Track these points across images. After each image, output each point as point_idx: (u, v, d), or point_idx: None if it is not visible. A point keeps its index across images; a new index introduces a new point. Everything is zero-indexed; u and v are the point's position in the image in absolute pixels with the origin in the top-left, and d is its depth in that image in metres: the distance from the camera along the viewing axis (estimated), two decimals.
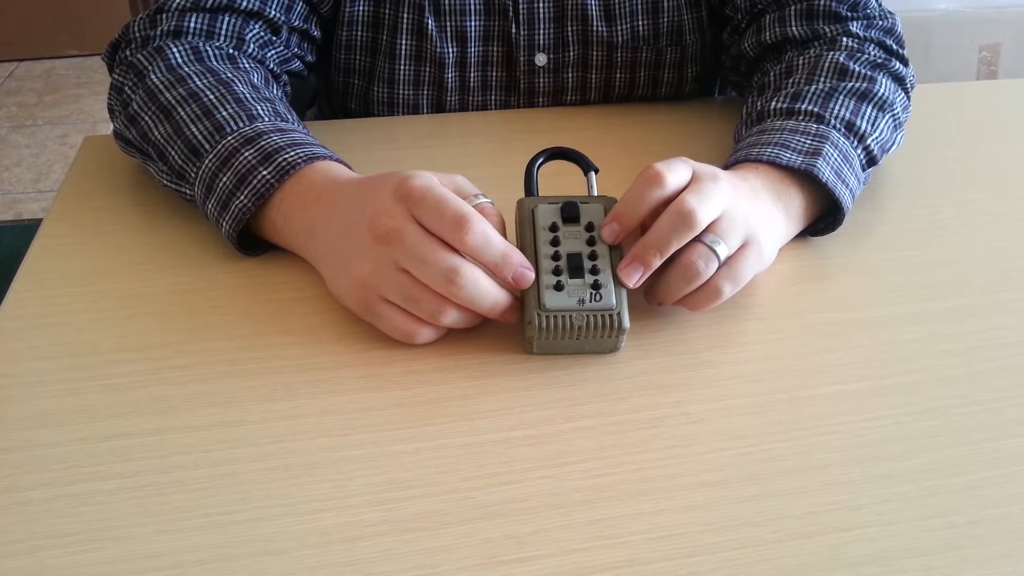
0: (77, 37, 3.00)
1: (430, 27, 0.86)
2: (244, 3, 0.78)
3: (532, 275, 0.56)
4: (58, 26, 2.99)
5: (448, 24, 0.86)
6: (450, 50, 0.87)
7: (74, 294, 0.64)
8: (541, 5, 0.87)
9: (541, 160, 0.63)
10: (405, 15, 0.86)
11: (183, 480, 0.50)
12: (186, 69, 0.71)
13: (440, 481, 0.50)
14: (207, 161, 0.65)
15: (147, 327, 0.61)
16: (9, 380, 0.56)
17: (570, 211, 0.59)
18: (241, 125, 0.66)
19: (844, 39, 0.79)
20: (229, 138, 0.65)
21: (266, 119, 0.67)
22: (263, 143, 0.65)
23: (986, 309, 0.63)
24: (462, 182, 0.60)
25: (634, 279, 0.57)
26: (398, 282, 0.56)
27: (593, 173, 0.63)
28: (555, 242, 0.58)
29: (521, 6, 0.86)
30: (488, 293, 0.56)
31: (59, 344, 0.59)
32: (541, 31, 0.88)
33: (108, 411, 0.54)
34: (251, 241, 0.67)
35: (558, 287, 0.56)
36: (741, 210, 0.59)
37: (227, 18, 0.78)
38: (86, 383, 0.56)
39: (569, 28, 0.88)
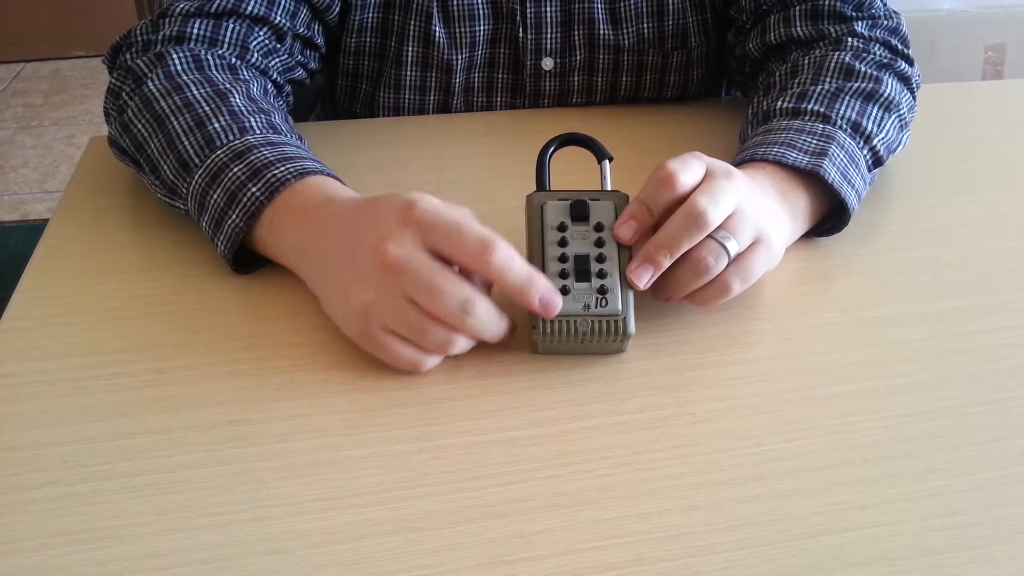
0: (83, 38, 3.01)
1: (438, 34, 0.85)
2: (249, 8, 0.77)
3: (560, 302, 0.55)
4: (64, 27, 3.00)
5: (457, 30, 0.86)
6: (457, 56, 0.87)
7: (80, 294, 0.64)
8: (548, 9, 0.87)
9: (553, 148, 0.62)
10: (413, 22, 0.85)
11: (188, 479, 0.50)
12: (184, 78, 0.70)
13: (445, 480, 0.50)
14: (197, 177, 0.64)
15: (153, 327, 0.61)
16: (16, 379, 0.57)
17: (580, 210, 0.58)
18: (231, 138, 0.65)
19: (849, 39, 0.79)
20: (219, 152, 0.64)
21: (258, 132, 0.66)
22: (252, 158, 0.63)
23: (992, 309, 0.63)
24: (469, 214, 0.56)
25: (644, 280, 0.57)
26: (404, 313, 0.54)
27: (607, 162, 0.62)
28: (563, 243, 0.58)
29: (528, 10, 0.86)
30: (497, 322, 0.55)
31: (65, 344, 0.59)
32: (548, 35, 0.88)
33: (114, 410, 0.54)
34: (247, 258, 0.65)
35: (563, 291, 0.56)
36: (753, 207, 0.59)
37: (232, 24, 0.77)
38: (92, 383, 0.56)
39: (576, 32, 0.88)
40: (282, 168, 0.62)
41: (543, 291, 0.54)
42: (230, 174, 0.63)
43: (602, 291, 0.56)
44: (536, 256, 0.57)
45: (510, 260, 0.53)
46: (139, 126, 0.69)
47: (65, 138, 2.61)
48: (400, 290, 0.54)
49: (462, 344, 0.55)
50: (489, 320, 0.54)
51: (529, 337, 0.58)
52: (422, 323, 0.54)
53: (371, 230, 0.55)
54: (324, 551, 0.46)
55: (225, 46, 0.76)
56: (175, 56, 0.72)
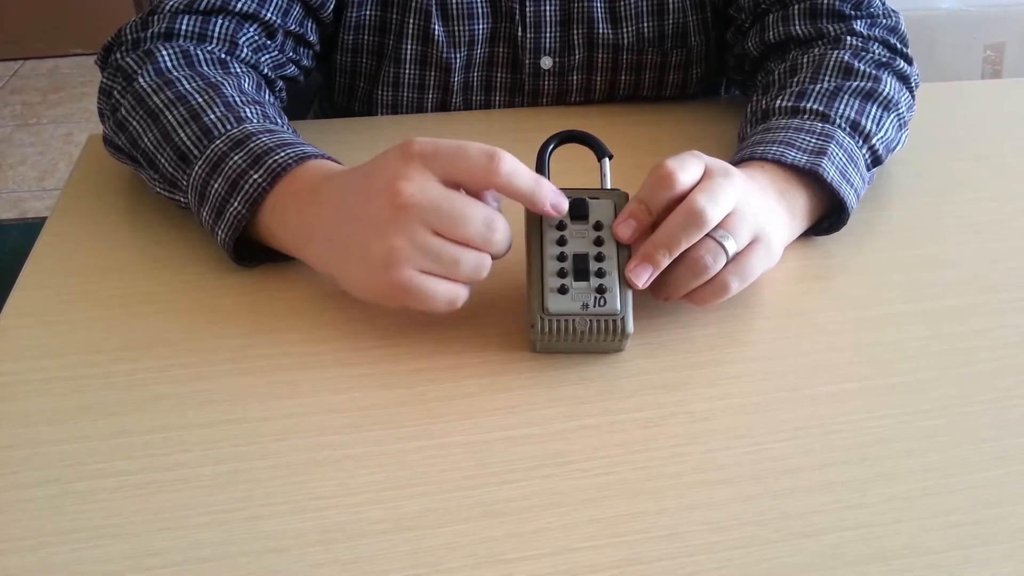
0: (81, 36, 3.01)
1: (437, 32, 0.85)
2: (239, 5, 0.77)
3: (566, 203, 0.57)
4: (62, 25, 2.99)
5: (455, 29, 0.86)
6: (456, 55, 0.87)
7: (78, 292, 0.64)
8: (547, 8, 0.86)
9: (553, 145, 0.62)
10: (411, 20, 0.85)
11: (186, 478, 0.50)
12: (175, 73, 0.70)
13: (442, 479, 0.50)
14: (197, 168, 0.64)
15: (151, 325, 0.61)
16: (13, 377, 0.57)
17: (579, 209, 0.58)
18: (229, 127, 0.65)
19: (848, 38, 0.79)
20: (217, 142, 0.64)
21: (255, 120, 0.66)
22: (252, 145, 0.63)
23: (990, 308, 0.63)
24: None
25: (643, 279, 0.57)
26: (436, 247, 0.54)
27: (607, 160, 0.62)
28: (562, 241, 0.58)
29: (528, 9, 0.86)
30: (510, 236, 0.56)
31: (63, 342, 0.59)
32: (547, 34, 0.88)
33: (112, 409, 0.54)
34: (248, 251, 0.65)
35: (562, 290, 0.56)
36: (751, 206, 0.59)
37: (220, 21, 0.76)
38: (90, 381, 0.56)
39: (575, 31, 0.87)
40: (283, 153, 0.62)
41: (551, 195, 0.56)
42: (231, 162, 0.63)
43: (600, 290, 0.56)
44: (535, 255, 0.57)
45: (517, 168, 0.55)
46: (134, 123, 0.69)
47: (63, 136, 2.61)
48: (424, 225, 0.54)
49: (488, 265, 0.56)
50: (507, 234, 0.56)
51: (527, 336, 0.58)
52: (455, 252, 0.54)
53: (375, 180, 0.56)
54: (321, 550, 0.46)
55: (214, 42, 0.76)
56: (164, 53, 0.72)
